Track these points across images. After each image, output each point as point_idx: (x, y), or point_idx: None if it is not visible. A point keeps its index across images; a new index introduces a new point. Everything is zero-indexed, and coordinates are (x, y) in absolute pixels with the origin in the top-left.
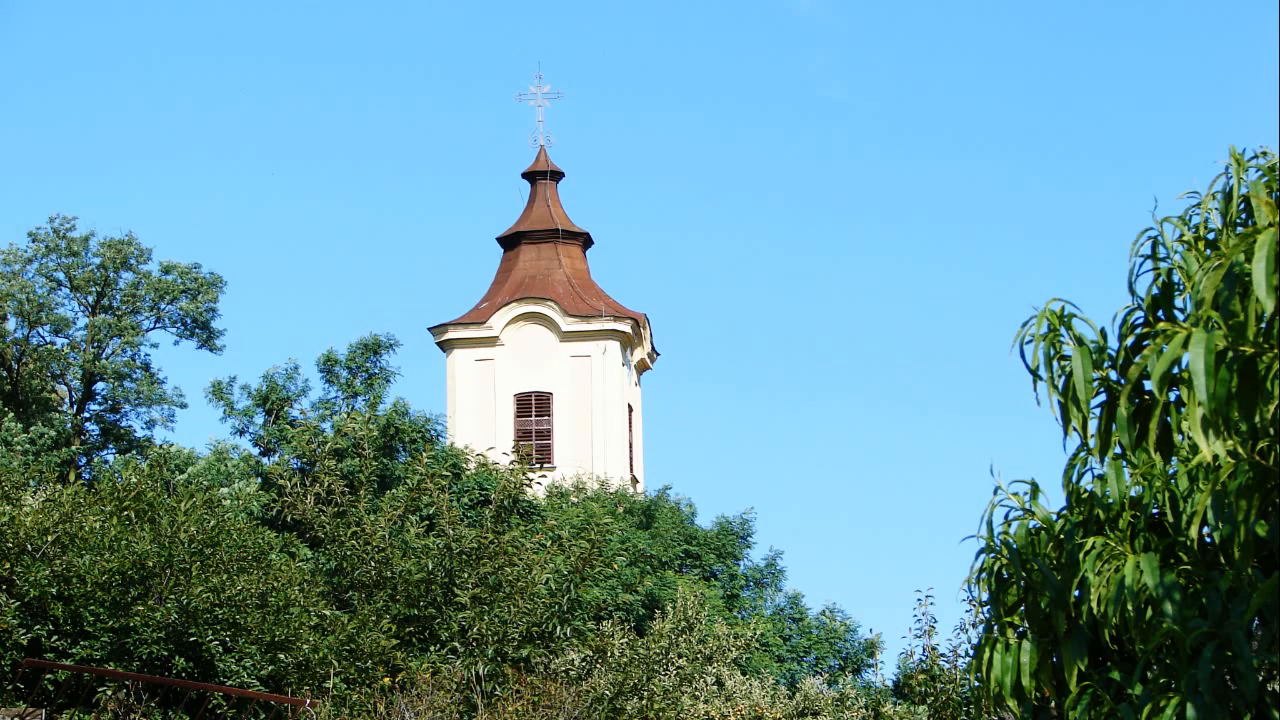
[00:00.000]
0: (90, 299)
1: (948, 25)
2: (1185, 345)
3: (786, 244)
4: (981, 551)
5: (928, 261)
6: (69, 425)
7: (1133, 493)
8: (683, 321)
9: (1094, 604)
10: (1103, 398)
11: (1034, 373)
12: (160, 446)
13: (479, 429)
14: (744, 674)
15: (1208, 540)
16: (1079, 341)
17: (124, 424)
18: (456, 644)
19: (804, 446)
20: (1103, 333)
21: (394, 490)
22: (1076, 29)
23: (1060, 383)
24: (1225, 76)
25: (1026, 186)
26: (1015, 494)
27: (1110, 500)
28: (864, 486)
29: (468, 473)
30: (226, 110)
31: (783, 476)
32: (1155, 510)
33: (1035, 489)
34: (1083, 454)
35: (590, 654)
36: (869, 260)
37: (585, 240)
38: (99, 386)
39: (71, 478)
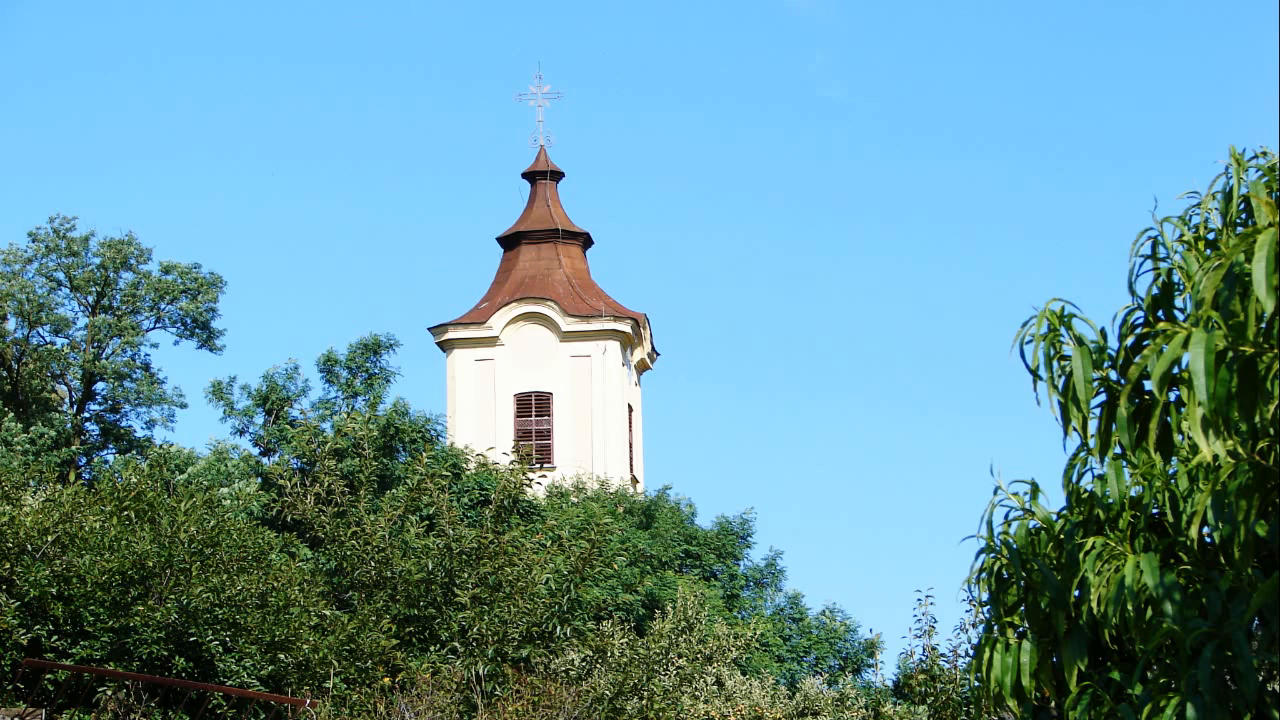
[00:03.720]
0: (90, 299)
1: (947, 25)
2: (1185, 345)
3: (786, 244)
4: (981, 551)
5: (927, 261)
6: (69, 425)
7: (1133, 493)
8: (683, 321)
9: (1094, 604)
10: (1103, 398)
11: (1034, 373)
12: (160, 446)
13: (479, 429)
14: (744, 674)
15: (1208, 540)
16: (1079, 341)
17: (124, 424)
18: (456, 644)
19: (804, 446)
20: (1103, 333)
21: (394, 490)
22: (1076, 29)
23: (1060, 383)
24: (1225, 76)
25: (1026, 186)
26: (1015, 494)
27: (1110, 500)
28: (864, 486)
29: (468, 473)
30: (226, 110)
31: (783, 476)
32: (1155, 510)
33: (1035, 489)
34: (1083, 454)
35: (590, 654)
36: (868, 260)
37: (585, 240)
38: (99, 386)
39: (71, 478)
